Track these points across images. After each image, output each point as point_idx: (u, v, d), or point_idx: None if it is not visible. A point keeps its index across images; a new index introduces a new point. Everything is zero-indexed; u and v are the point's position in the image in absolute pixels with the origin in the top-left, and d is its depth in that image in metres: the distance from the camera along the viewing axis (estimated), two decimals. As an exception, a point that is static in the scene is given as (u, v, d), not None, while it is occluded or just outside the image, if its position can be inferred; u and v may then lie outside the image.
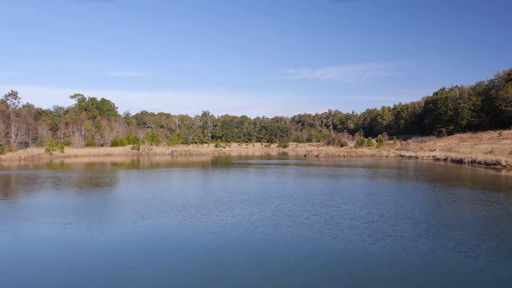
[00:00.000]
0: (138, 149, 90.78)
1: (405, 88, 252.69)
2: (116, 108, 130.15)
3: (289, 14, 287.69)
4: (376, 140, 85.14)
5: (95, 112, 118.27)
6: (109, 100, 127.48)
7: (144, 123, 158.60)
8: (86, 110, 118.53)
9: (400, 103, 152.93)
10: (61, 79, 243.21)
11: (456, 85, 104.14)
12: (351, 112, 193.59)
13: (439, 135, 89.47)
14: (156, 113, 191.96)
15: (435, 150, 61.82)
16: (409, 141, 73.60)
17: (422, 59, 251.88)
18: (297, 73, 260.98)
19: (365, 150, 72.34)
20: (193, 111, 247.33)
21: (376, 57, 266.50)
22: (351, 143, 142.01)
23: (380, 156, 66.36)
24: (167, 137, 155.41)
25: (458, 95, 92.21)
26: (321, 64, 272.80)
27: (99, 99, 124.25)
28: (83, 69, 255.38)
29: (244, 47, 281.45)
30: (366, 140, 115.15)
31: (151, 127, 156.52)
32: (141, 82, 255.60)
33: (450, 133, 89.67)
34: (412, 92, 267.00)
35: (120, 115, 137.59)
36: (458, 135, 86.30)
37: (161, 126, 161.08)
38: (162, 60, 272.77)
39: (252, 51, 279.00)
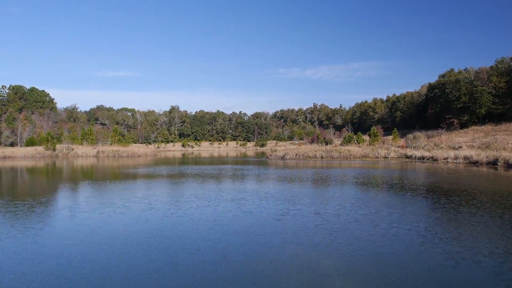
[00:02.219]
0: (53, 150, 67.71)
1: (396, 87, 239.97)
2: (53, 99, 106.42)
3: (279, 14, 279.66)
4: (369, 135, 63.48)
5: (20, 103, 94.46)
6: (43, 90, 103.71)
7: (96, 119, 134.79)
8: (8, 101, 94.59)
9: (394, 94, 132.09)
10: (52, 80, 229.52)
11: (466, 68, 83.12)
12: (338, 107, 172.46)
13: (449, 128, 68.38)
14: (117, 108, 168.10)
15: (460, 147, 40.29)
16: (417, 133, 51.71)
17: (413, 58, 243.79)
18: (287, 72, 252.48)
19: (354, 148, 50.48)
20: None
21: (367, 57, 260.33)
22: (337, 141, 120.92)
23: (375, 158, 44.56)
24: (122, 134, 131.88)
25: (473, 77, 71.06)
26: (312, 63, 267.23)
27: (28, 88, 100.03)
28: (73, 69, 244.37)
29: (235, 47, 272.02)
30: (355, 136, 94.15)
31: (104, 124, 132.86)
32: (130, 82, 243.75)
33: (463, 126, 68.74)
34: (404, 91, 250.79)
35: (58, 109, 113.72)
36: (475, 127, 65.30)
37: (117, 123, 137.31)
38: (151, 60, 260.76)
39: (242, 51, 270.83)
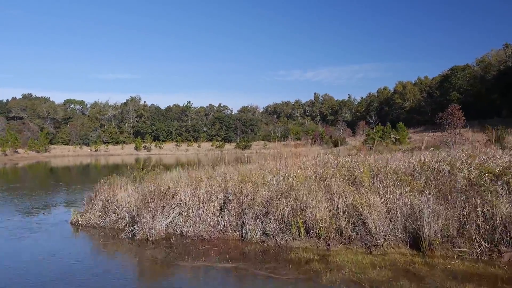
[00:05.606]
0: None
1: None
2: None
3: (280, 16, 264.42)
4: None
5: None
6: None
7: (9, 111, 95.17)
8: None
9: (426, 77, 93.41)
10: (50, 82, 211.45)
11: None
12: (347, 98, 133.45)
13: None
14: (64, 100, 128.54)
15: None
16: None
17: (414, 60, 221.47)
18: (288, 74, 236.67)
19: None
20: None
21: (368, 59, 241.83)
22: (352, 140, 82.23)
23: None
24: (47, 132, 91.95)
25: None
26: (313, 65, 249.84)
27: None
28: (73, 71, 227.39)
29: (235, 49, 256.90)
30: (393, 131, 55.66)
31: (20, 118, 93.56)
32: (132, 84, 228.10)
33: None
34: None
35: None
36: None
37: (39, 117, 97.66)
38: (153, 62, 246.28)
39: (243, 53, 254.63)
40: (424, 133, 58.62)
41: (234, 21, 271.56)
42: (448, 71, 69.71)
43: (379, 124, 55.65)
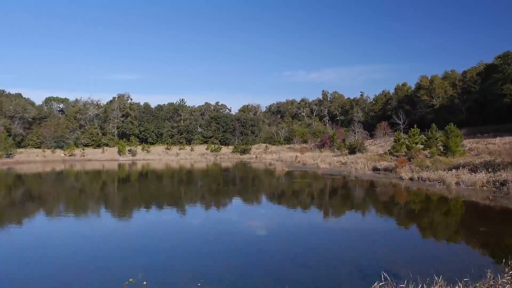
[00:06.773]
0: None
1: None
2: None
3: (284, 17, 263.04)
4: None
5: None
6: None
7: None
8: None
9: (453, 70, 79.46)
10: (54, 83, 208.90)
11: None
12: (359, 96, 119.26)
13: None
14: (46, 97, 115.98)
15: None
16: None
17: (417, 62, 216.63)
18: (293, 75, 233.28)
19: None
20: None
21: (372, 60, 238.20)
22: (371, 144, 68.64)
23: None
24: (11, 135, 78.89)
25: None
26: (317, 66, 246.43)
27: None
28: (77, 72, 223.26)
29: (240, 50, 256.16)
30: (439, 134, 41.98)
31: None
32: (137, 85, 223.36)
33: None
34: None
35: None
36: None
37: (6, 116, 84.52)
38: (157, 63, 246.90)
39: (248, 55, 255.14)
40: (476, 139, 44.71)
41: (235, 22, 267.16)
42: (497, 59, 55.30)
43: (415, 126, 41.68)
